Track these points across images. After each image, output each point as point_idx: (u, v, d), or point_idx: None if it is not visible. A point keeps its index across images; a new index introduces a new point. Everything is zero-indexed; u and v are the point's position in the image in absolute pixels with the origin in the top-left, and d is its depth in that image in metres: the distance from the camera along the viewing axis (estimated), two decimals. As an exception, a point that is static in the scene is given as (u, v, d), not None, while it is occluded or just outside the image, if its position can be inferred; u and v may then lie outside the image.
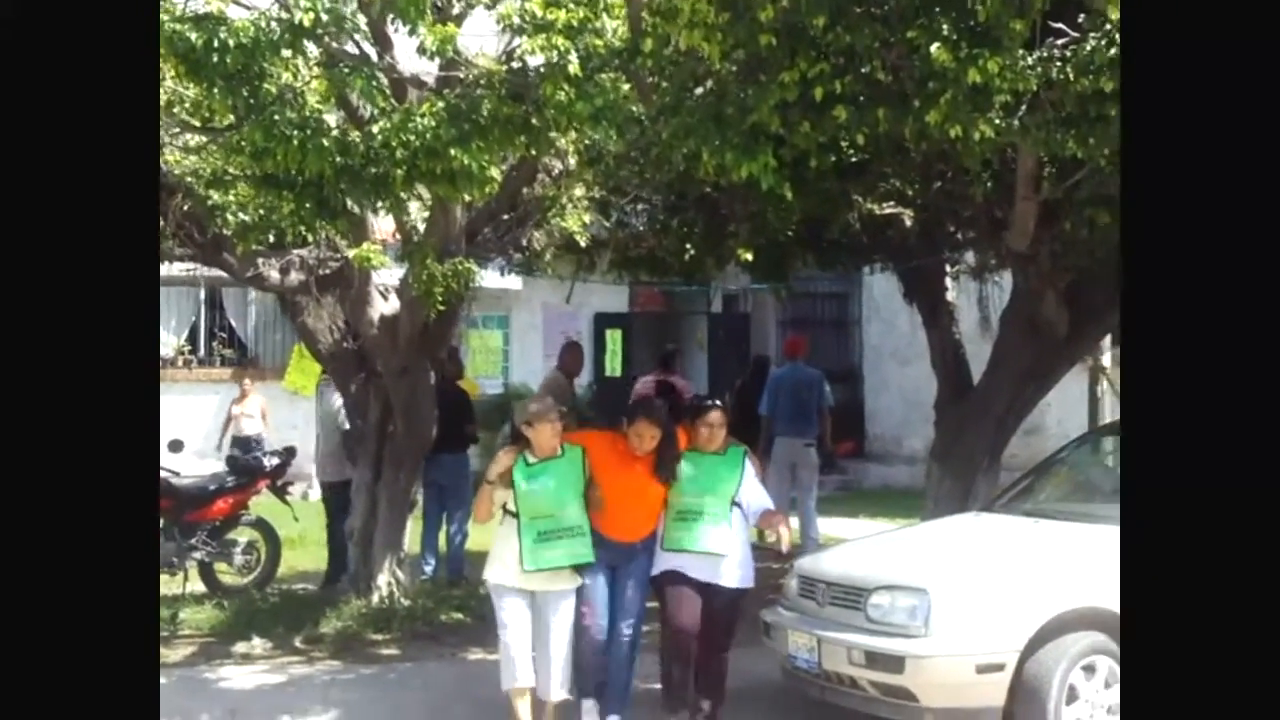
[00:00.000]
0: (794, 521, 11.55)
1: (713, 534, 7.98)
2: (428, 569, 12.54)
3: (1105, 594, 7.47)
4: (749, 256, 11.46)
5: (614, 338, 23.26)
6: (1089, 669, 7.42)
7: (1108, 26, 7.87)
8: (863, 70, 8.06)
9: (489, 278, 13.61)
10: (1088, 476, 9.18)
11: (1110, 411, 14.56)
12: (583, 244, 11.47)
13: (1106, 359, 14.78)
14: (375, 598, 11.12)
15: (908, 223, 11.37)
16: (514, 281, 18.64)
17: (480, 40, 9.52)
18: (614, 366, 23.12)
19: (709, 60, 8.21)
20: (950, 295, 12.34)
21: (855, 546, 9.03)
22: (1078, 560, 7.68)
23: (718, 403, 8.43)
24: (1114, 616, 7.43)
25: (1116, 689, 7.38)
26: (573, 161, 9.82)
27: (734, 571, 8.04)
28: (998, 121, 7.98)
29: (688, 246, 11.91)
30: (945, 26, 7.84)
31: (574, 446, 8.01)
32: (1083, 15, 8.05)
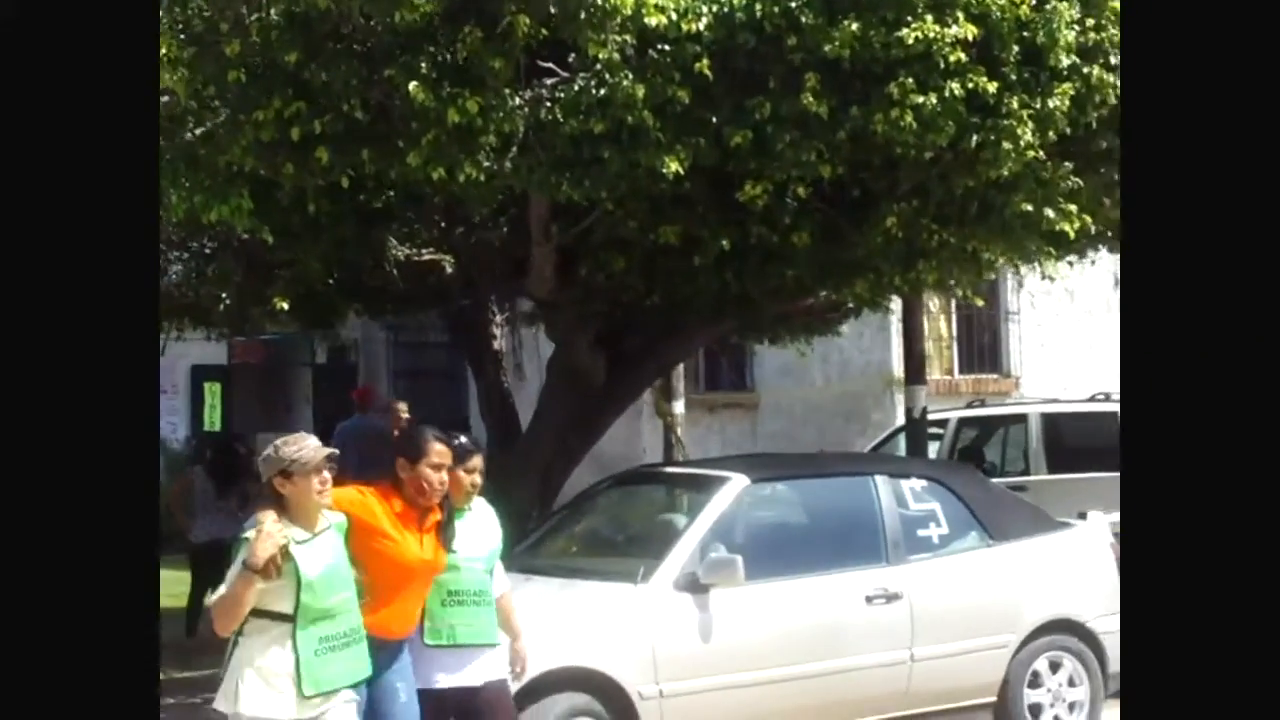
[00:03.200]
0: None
1: (488, 618, 6.27)
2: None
3: (589, 654, 7.26)
4: (285, 305, 10.89)
5: (212, 391, 22.25)
6: (574, 731, 7.13)
7: (598, 67, 7.69)
8: (343, 109, 7.69)
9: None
10: (591, 528, 8.93)
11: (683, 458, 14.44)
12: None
13: (680, 406, 14.71)
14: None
15: (448, 269, 11.00)
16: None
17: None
18: (213, 421, 22.09)
19: (178, 97, 7.72)
20: (498, 344, 12.00)
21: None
22: (563, 619, 7.42)
23: (471, 443, 6.50)
24: (599, 676, 7.24)
25: (603, 750, 7.15)
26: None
27: (500, 658, 6.40)
28: (486, 164, 7.73)
29: (224, 296, 11.22)
30: (424, 65, 7.54)
31: (334, 513, 5.66)
32: (572, 55, 7.87)
